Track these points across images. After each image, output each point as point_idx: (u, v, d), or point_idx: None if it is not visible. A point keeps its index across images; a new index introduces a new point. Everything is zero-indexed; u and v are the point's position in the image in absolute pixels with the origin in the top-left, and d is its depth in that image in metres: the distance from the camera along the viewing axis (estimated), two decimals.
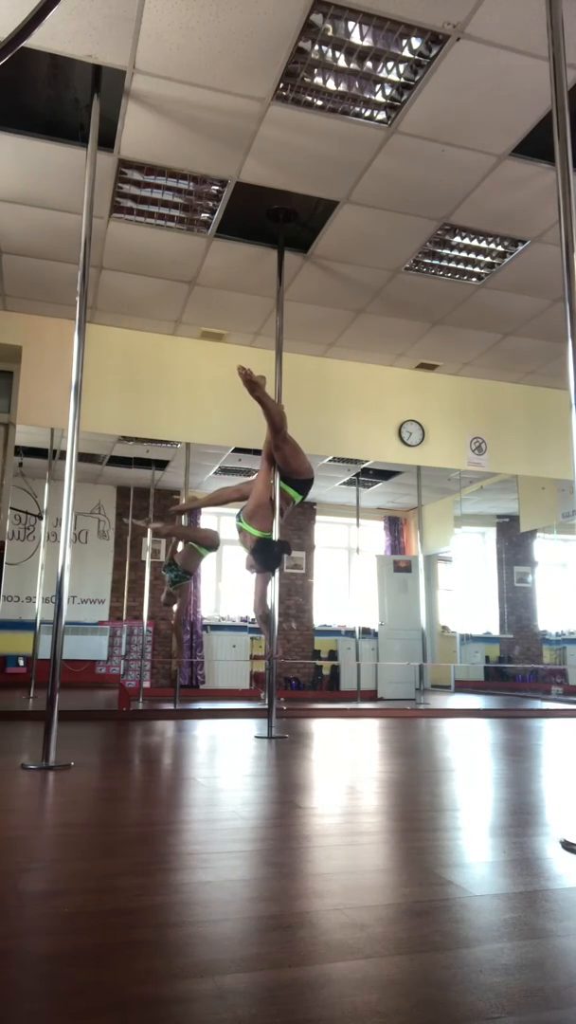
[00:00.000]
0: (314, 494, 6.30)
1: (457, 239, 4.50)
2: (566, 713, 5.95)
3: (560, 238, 2.17)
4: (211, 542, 6.12)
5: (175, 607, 6.33)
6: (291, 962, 1.12)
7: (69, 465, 3.13)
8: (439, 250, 4.63)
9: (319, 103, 3.40)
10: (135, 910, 1.33)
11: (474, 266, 4.80)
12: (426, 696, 6.74)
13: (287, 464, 4.35)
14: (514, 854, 1.76)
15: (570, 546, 7.86)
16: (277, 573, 4.38)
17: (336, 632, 7.98)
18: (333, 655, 7.93)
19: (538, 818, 2.17)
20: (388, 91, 3.33)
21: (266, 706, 4.20)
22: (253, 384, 3.95)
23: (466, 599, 7.84)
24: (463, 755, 3.56)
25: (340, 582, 8.14)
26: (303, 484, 4.49)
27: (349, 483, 7.46)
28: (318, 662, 7.94)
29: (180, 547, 6.12)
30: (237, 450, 6.42)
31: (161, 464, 7.22)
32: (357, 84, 3.29)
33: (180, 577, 6.06)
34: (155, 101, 3.41)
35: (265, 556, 4.29)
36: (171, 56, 3.14)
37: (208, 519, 7.88)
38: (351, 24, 2.98)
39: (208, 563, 7.00)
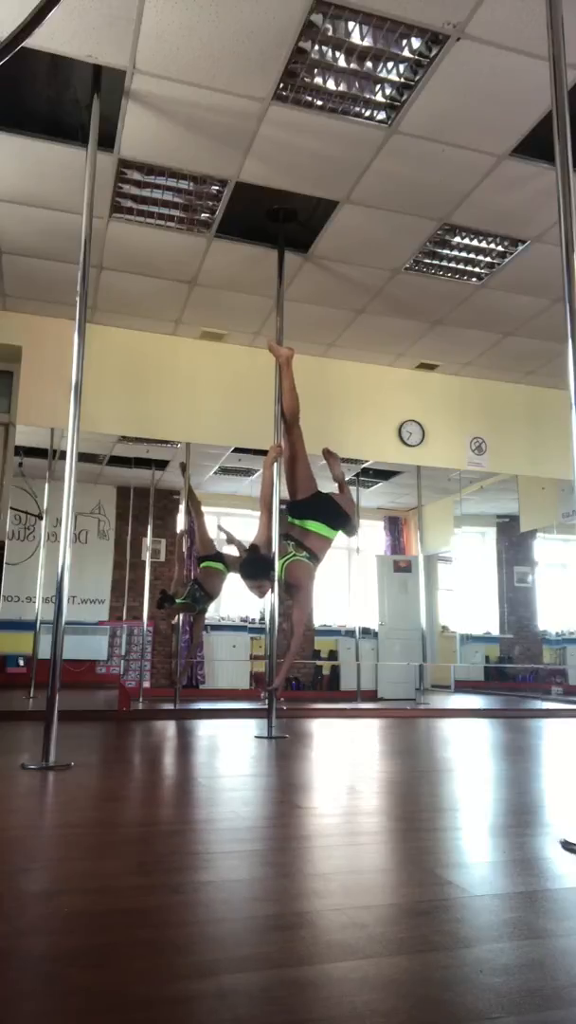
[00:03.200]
0: None
1: (457, 239, 4.50)
2: (566, 713, 5.95)
3: (560, 238, 2.17)
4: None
5: (177, 619, 6.28)
6: (291, 962, 1.12)
7: (69, 465, 3.12)
8: (439, 250, 4.62)
9: (319, 103, 3.40)
10: (135, 910, 1.33)
11: (474, 266, 4.80)
12: (426, 696, 6.74)
13: (290, 467, 4.24)
14: (514, 854, 1.76)
15: (570, 546, 7.86)
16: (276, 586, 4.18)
17: (336, 632, 7.98)
18: (333, 655, 7.93)
19: (538, 818, 2.17)
20: (388, 91, 3.33)
21: (266, 706, 4.20)
22: (286, 362, 4.23)
23: (466, 599, 7.84)
24: (463, 755, 3.56)
25: (340, 582, 8.13)
26: (319, 511, 4.17)
27: (349, 483, 7.45)
28: (318, 662, 7.94)
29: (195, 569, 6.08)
30: (237, 450, 6.41)
31: (161, 464, 7.22)
32: (357, 84, 3.29)
33: (207, 604, 6.04)
34: (155, 101, 3.40)
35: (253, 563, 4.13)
36: (171, 56, 3.14)
37: (209, 521, 7.88)
38: (351, 24, 2.98)
39: None
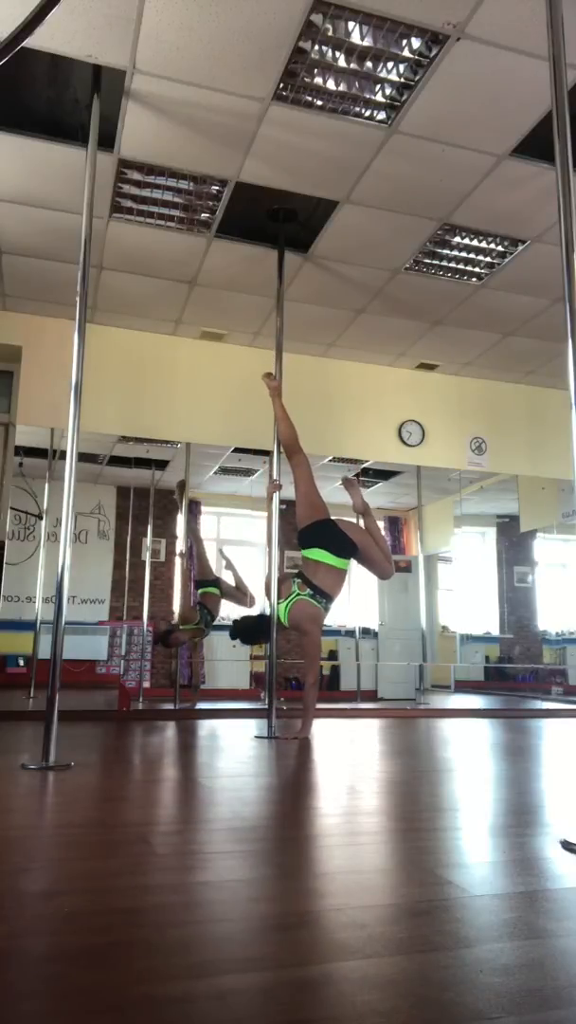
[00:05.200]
0: None
1: (457, 239, 4.50)
2: (566, 713, 5.95)
3: (560, 238, 2.17)
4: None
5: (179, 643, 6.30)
6: (291, 962, 1.12)
7: (69, 465, 3.12)
8: (439, 250, 4.62)
9: (319, 103, 3.40)
10: (135, 910, 1.33)
11: (474, 266, 4.80)
12: (426, 696, 6.74)
13: (296, 495, 4.14)
14: (514, 854, 1.76)
15: (570, 546, 7.86)
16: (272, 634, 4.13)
17: (336, 632, 7.97)
18: (333, 655, 7.92)
19: (538, 818, 2.17)
20: (388, 91, 3.33)
21: (266, 706, 4.19)
22: (274, 394, 4.27)
23: (466, 599, 7.84)
24: (463, 755, 3.56)
25: None
26: (322, 538, 3.98)
27: (350, 483, 7.45)
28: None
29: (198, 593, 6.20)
30: (237, 450, 6.41)
31: (161, 464, 7.22)
32: (357, 84, 3.29)
33: (211, 625, 6.13)
34: (155, 101, 3.41)
35: (249, 630, 4.19)
36: (171, 56, 3.14)
37: (210, 522, 7.89)
38: (351, 24, 2.98)
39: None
